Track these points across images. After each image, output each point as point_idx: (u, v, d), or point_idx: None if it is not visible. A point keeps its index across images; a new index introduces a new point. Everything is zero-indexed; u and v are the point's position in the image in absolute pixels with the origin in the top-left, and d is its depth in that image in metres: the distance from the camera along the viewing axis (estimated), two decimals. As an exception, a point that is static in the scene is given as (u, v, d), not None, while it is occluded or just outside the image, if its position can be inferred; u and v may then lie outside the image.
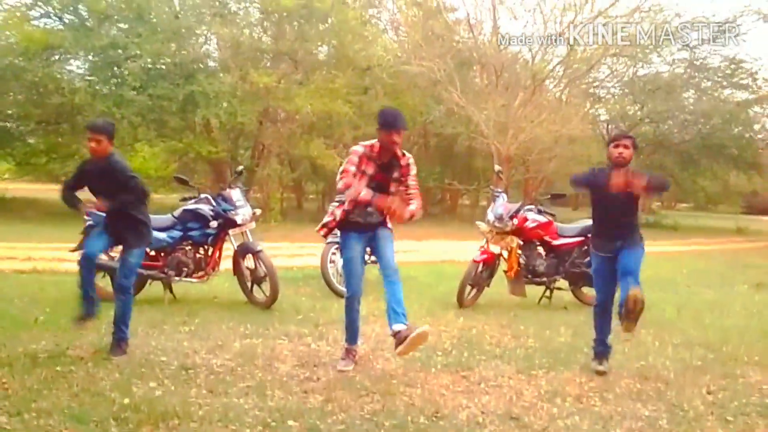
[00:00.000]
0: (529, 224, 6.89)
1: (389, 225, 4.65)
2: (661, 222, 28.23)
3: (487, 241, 6.90)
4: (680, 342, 5.72)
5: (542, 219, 6.99)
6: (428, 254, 12.40)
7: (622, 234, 4.69)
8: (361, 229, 4.57)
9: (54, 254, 9.53)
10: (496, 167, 7.67)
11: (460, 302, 6.77)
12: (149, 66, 16.09)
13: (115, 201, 4.63)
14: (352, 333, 4.70)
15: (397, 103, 20.95)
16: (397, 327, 4.32)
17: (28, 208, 19.19)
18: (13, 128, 18.39)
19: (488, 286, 7.07)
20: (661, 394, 4.28)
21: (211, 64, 18.04)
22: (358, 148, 4.49)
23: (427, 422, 3.66)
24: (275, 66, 18.19)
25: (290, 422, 3.56)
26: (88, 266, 4.73)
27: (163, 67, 16.49)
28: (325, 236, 5.07)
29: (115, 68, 16.59)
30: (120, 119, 15.77)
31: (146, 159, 15.20)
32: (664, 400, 4.18)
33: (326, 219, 4.75)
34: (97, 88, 15.60)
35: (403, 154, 4.58)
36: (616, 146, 4.62)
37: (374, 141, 4.53)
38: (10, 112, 17.93)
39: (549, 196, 7.53)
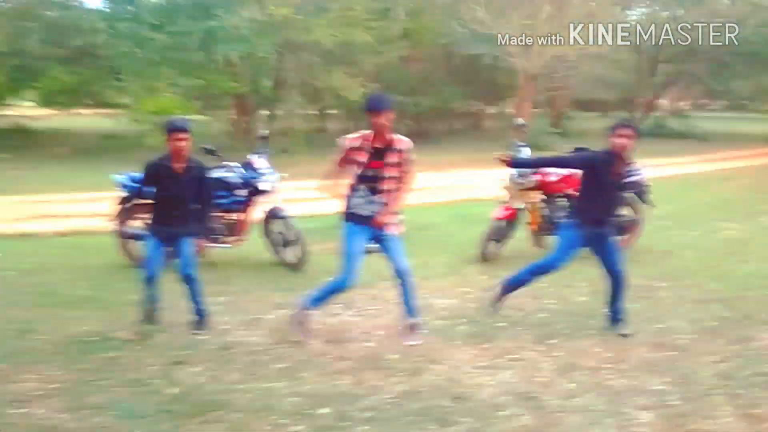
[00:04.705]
0: (551, 178, 6.97)
1: (392, 230, 4.79)
2: (693, 131, 27.78)
3: (509, 197, 7.02)
4: (697, 297, 5.90)
5: (564, 172, 7.03)
6: (451, 190, 12.53)
7: (611, 212, 5.00)
8: (363, 222, 4.72)
9: (91, 208, 9.89)
10: (519, 120, 7.64)
11: (483, 258, 6.97)
12: (165, 1, 15.94)
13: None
14: (320, 304, 4.95)
15: (418, 25, 20.56)
16: (411, 320, 4.92)
17: (55, 143, 19.53)
18: (37, 65, 18.50)
19: (511, 238, 7.25)
20: (674, 364, 4.50)
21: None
22: (343, 142, 4.68)
23: (450, 405, 3.94)
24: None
25: (324, 410, 3.86)
26: (151, 286, 5.02)
27: (180, 1, 16.29)
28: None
29: (132, 5, 16.47)
30: (142, 59, 15.83)
31: (170, 99, 15.28)
32: (676, 370, 4.39)
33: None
34: (117, 28, 15.54)
35: (401, 140, 4.71)
36: (619, 136, 4.74)
37: (365, 131, 4.69)
38: (32, 52, 18.01)
39: (572, 151, 7.53)
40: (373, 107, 4.58)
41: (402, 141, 4.72)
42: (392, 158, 4.66)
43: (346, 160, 4.71)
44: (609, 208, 5.00)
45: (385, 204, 4.71)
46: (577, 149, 7.50)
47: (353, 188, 4.72)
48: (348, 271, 4.76)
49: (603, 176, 4.83)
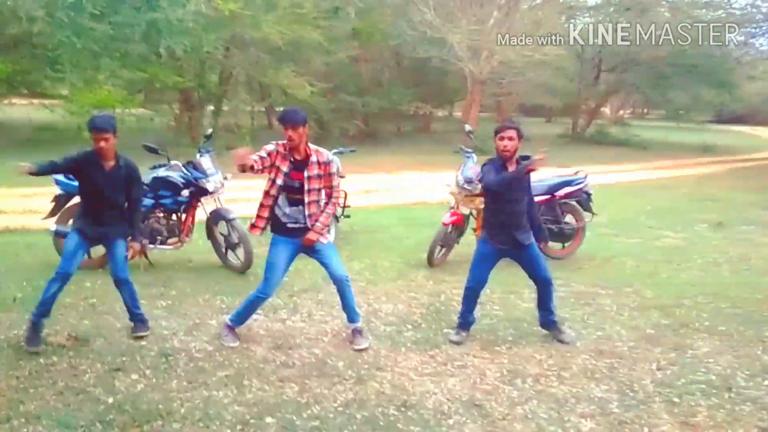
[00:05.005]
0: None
1: (324, 240, 4.74)
2: (632, 139, 28.62)
3: (456, 203, 7.05)
4: (637, 305, 6.03)
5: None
6: (400, 193, 12.57)
7: (519, 223, 4.85)
8: (290, 234, 4.67)
9: (23, 204, 9.51)
10: (467, 127, 7.70)
11: (430, 262, 6.99)
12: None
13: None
14: (243, 318, 4.91)
15: (367, 25, 20.51)
16: (354, 325, 4.92)
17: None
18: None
19: (457, 243, 7.28)
20: (614, 372, 4.58)
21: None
22: (269, 146, 4.59)
23: (397, 413, 3.91)
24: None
25: (268, 419, 3.79)
26: (57, 286, 4.61)
27: (123, -9, 15.77)
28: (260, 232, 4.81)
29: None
30: (81, 49, 15.25)
31: (111, 92, 14.80)
32: (616, 378, 4.47)
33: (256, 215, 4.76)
34: (56, 16, 14.93)
35: (319, 152, 4.65)
36: (502, 139, 4.76)
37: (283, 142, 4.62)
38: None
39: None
40: (283, 120, 4.50)
41: (322, 154, 4.65)
42: (312, 171, 4.59)
43: (270, 163, 4.55)
44: (517, 217, 4.86)
45: (313, 219, 4.65)
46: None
47: (278, 198, 4.63)
48: (268, 281, 4.73)
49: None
